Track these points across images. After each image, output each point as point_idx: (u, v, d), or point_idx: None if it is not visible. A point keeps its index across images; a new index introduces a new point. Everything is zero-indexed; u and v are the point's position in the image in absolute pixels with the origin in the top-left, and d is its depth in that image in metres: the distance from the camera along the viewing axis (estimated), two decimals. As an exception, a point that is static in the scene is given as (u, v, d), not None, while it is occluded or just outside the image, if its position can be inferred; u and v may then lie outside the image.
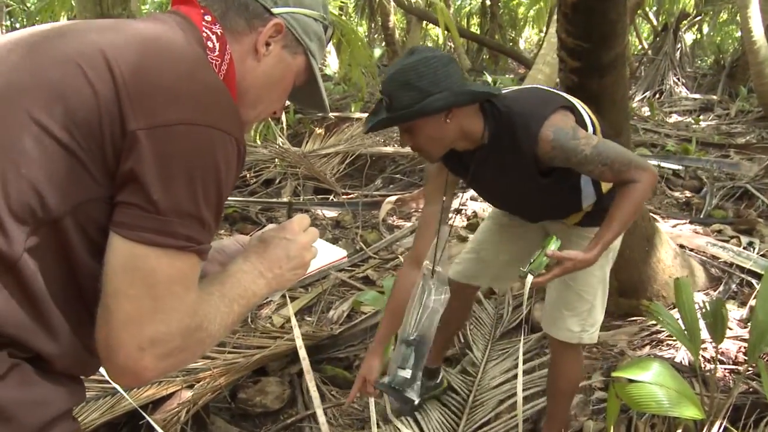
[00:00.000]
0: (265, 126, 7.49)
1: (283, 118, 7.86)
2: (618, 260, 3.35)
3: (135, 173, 0.96)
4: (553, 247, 2.00)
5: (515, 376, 3.18)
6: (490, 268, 2.67)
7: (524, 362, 3.27)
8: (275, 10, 1.22)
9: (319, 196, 6.22)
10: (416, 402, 2.22)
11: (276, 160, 6.62)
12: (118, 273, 0.96)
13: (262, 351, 3.28)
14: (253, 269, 1.18)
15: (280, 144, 7.07)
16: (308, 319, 4.08)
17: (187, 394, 2.94)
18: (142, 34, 1.07)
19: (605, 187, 2.18)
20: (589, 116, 2.17)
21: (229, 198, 5.41)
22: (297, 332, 1.51)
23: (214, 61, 1.15)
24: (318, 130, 7.46)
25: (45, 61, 1.01)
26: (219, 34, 1.17)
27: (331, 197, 6.13)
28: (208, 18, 1.18)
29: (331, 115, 7.40)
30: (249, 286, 1.16)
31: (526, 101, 2.05)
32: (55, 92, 0.97)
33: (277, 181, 6.46)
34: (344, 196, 6.08)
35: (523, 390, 3.02)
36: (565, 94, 2.20)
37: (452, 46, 13.31)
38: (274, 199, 6.09)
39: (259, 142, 7.30)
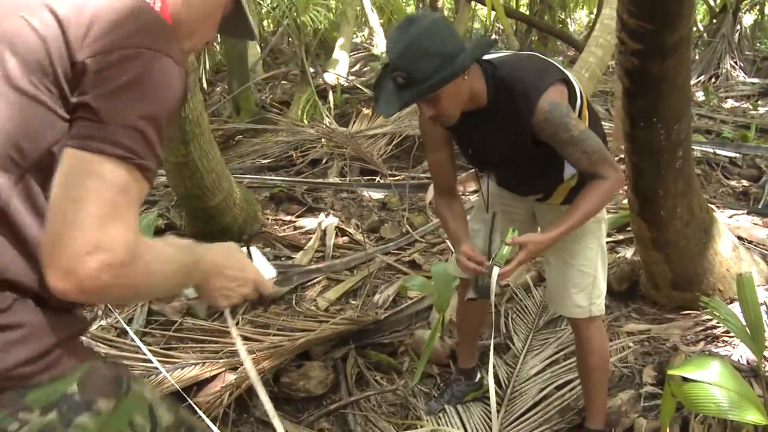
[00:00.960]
0: (312, 105, 7.45)
1: (330, 97, 7.80)
2: (672, 251, 3.27)
3: (84, 93, 1.05)
4: (510, 236, 2.09)
5: (555, 363, 3.11)
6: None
7: (564, 349, 3.20)
8: None
9: (365, 177, 6.16)
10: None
11: (323, 140, 6.57)
12: (66, 179, 1.02)
13: (306, 335, 3.24)
14: (199, 263, 1.25)
15: (327, 124, 7.02)
16: (353, 302, 4.04)
17: (230, 377, 2.93)
18: None
19: (584, 119, 2.19)
20: (580, 92, 2.20)
21: (274, 177, 5.44)
22: (240, 347, 1.34)
23: None
24: (365, 110, 7.38)
25: None
26: None
27: (378, 179, 6.07)
28: None
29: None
30: (182, 270, 1.20)
31: (526, 70, 2.08)
32: (7, 46, 1.07)
33: (324, 161, 6.42)
34: (391, 178, 6.01)
35: (564, 375, 2.95)
36: (559, 65, 2.20)
37: (500, 27, 13.07)
38: (320, 180, 6.05)
39: (305, 122, 7.26)
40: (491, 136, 2.17)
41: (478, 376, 3.00)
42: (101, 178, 1.02)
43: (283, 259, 4.66)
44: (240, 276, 1.33)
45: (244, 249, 1.42)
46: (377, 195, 5.75)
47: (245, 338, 3.36)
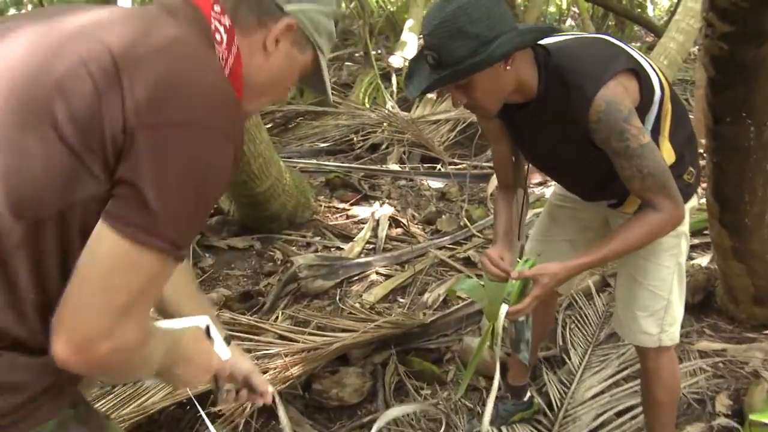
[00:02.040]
0: (374, 88, 7.19)
1: (394, 80, 7.52)
2: (756, 264, 2.89)
3: (132, 170, 0.98)
4: (520, 267, 1.85)
5: (616, 384, 2.79)
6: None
7: (627, 368, 2.87)
8: (288, 8, 1.20)
9: (425, 165, 5.86)
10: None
11: (384, 124, 6.31)
12: (101, 261, 0.99)
13: (342, 339, 3.00)
14: (174, 352, 1.24)
15: (389, 108, 6.75)
16: (401, 300, 3.79)
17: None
18: (150, 29, 1.07)
19: (666, 162, 1.84)
20: (660, 80, 1.88)
21: (330, 163, 5.21)
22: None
23: (220, 54, 1.15)
24: (429, 95, 7.07)
25: (50, 57, 1.02)
26: (227, 26, 1.16)
27: (439, 167, 5.77)
28: (217, 9, 1.16)
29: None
30: (164, 355, 1.20)
31: (586, 57, 1.79)
32: (60, 90, 0.99)
33: (384, 146, 6.15)
34: (451, 167, 5.70)
35: (625, 400, 2.64)
36: (631, 50, 1.89)
37: (576, 11, 12.51)
38: (379, 166, 5.79)
39: (367, 105, 7.01)
40: (543, 134, 1.91)
41: (528, 394, 2.70)
42: (137, 269, 1.00)
43: (332, 249, 4.45)
44: (202, 368, 1.34)
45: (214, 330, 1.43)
46: (436, 184, 5.46)
47: (281, 336, 3.15)
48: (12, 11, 6.99)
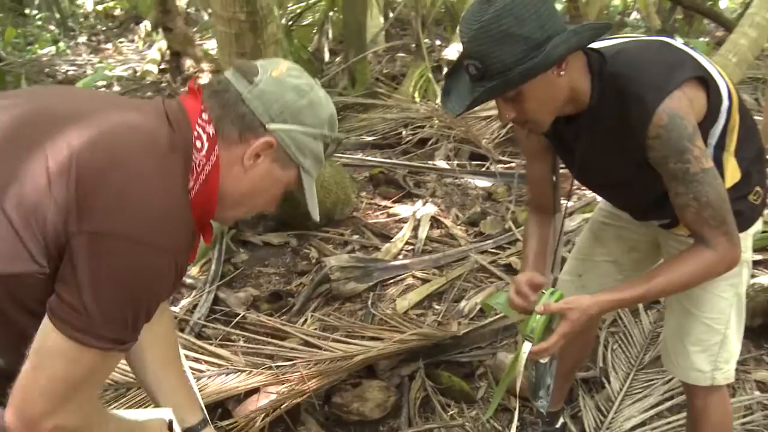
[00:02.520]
0: (425, 80, 6.99)
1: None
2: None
3: (71, 272, 1.07)
4: (545, 300, 1.65)
5: (659, 416, 2.57)
6: (592, 291, 2.02)
7: (672, 398, 2.65)
8: (270, 126, 1.25)
9: (474, 162, 5.66)
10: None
11: (433, 119, 6.12)
12: (46, 353, 1.10)
13: (367, 351, 2.86)
14: None
15: (439, 102, 6.55)
16: (437, 307, 3.63)
17: (271, 395, 2.59)
18: (119, 133, 1.16)
19: (729, 179, 1.68)
20: (729, 88, 1.67)
21: (374, 158, 5.05)
22: None
23: (198, 161, 1.22)
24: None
25: (19, 142, 1.13)
26: (210, 134, 1.23)
27: (487, 165, 5.56)
28: (204, 117, 1.24)
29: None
30: None
31: (646, 64, 1.58)
32: (17, 174, 1.09)
33: (432, 141, 5.96)
34: (500, 165, 5.49)
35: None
36: (696, 55, 1.67)
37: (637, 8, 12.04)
38: (425, 163, 5.62)
39: (417, 98, 6.83)
40: (595, 150, 1.69)
41: (561, 420, 2.52)
42: (77, 363, 1.10)
43: (370, 249, 4.31)
44: None
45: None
46: (484, 183, 5.26)
47: (305, 342, 3.03)
48: None
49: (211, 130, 1.23)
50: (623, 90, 1.56)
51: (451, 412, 2.78)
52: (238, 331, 3.19)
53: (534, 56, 1.45)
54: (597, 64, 1.60)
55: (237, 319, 3.28)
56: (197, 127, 1.23)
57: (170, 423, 1.50)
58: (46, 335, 1.10)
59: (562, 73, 1.53)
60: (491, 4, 1.45)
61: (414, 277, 3.92)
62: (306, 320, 3.41)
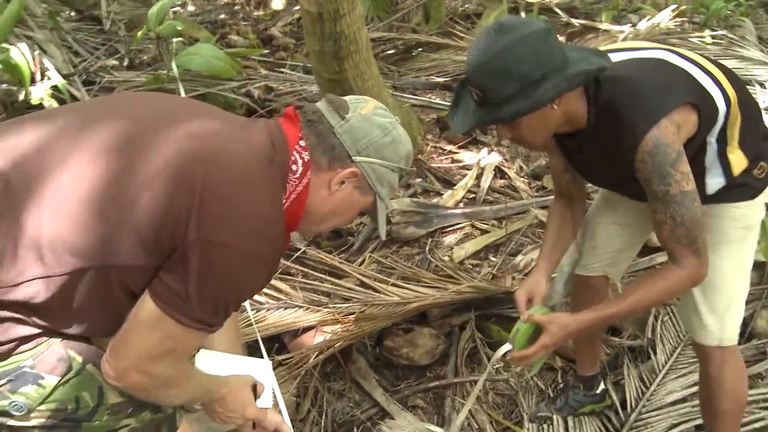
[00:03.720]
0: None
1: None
2: None
3: (183, 267, 1.26)
4: (533, 311, 1.86)
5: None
6: (602, 252, 2.25)
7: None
8: (356, 159, 1.43)
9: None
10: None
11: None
12: (146, 323, 1.29)
13: (422, 299, 2.94)
14: (216, 392, 1.57)
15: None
16: (493, 259, 3.67)
17: (326, 333, 2.71)
18: (239, 151, 1.35)
19: (737, 167, 1.81)
20: (724, 92, 1.76)
21: (443, 101, 4.99)
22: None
23: (291, 182, 1.40)
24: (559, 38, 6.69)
25: (144, 150, 1.30)
26: (306, 160, 1.41)
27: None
28: (302, 143, 1.42)
29: (576, 22, 6.59)
30: (205, 395, 1.58)
31: (641, 91, 1.69)
32: (148, 184, 1.26)
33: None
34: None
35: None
36: (693, 70, 1.77)
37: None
38: (494, 109, 5.56)
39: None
40: (592, 161, 1.86)
41: (602, 386, 2.56)
42: (171, 336, 1.30)
43: (431, 194, 4.35)
44: (237, 413, 1.62)
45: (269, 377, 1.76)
46: (551, 136, 5.21)
47: (362, 283, 3.13)
48: None
49: (306, 156, 1.41)
50: (617, 115, 1.68)
51: (497, 366, 2.86)
52: (297, 266, 3.30)
53: (528, 93, 1.58)
54: (592, 90, 1.71)
55: (297, 254, 3.38)
56: (294, 152, 1.40)
57: (254, 386, 1.65)
58: (147, 310, 1.28)
59: (555, 107, 1.65)
60: (496, 41, 1.57)
61: (473, 226, 3.96)
62: (364, 260, 3.50)
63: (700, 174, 1.79)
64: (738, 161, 1.81)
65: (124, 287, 1.30)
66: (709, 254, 1.80)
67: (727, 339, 1.97)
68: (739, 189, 1.84)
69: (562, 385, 2.57)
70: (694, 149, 1.76)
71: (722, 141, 1.79)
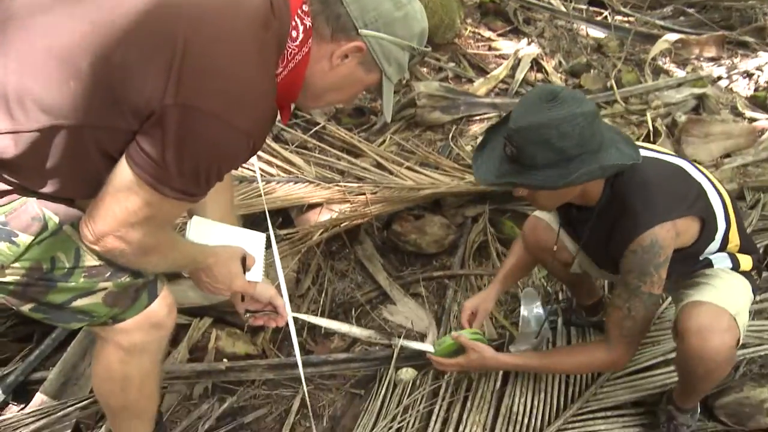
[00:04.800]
0: None
1: None
2: None
3: (160, 133, 1.16)
4: (465, 334, 1.99)
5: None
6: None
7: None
8: (362, 32, 1.29)
9: (591, 9, 5.31)
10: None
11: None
12: (123, 189, 1.21)
13: (436, 187, 2.85)
14: (202, 262, 1.52)
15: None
16: (516, 153, 3.54)
17: (333, 212, 2.64)
18: (226, 10, 1.22)
19: (744, 266, 1.88)
20: (725, 207, 1.85)
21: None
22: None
23: (290, 49, 1.28)
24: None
25: (133, 8, 1.17)
26: (307, 26, 1.28)
27: (605, 14, 5.21)
28: (305, 8, 1.28)
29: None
30: (189, 263, 1.53)
31: (655, 190, 1.73)
32: (120, 38, 1.15)
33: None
34: (619, 16, 5.13)
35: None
36: (706, 185, 1.83)
37: None
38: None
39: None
40: (591, 238, 1.89)
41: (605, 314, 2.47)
42: (148, 203, 1.22)
43: (463, 80, 4.19)
44: (224, 284, 1.57)
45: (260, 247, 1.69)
46: (596, 33, 4.95)
47: (378, 165, 3.05)
48: None
49: (308, 22, 1.28)
50: (626, 203, 1.72)
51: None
52: (315, 141, 3.21)
53: (559, 169, 1.59)
54: (613, 177, 1.73)
55: (316, 128, 3.29)
56: (296, 17, 1.27)
57: (243, 258, 1.59)
58: (123, 176, 1.20)
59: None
60: (547, 109, 1.57)
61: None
62: (384, 141, 3.41)
63: (694, 256, 1.84)
64: (745, 261, 1.88)
65: (101, 149, 1.22)
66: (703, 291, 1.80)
67: (740, 326, 1.77)
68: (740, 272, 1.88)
69: (564, 306, 2.48)
70: (686, 257, 1.81)
71: (723, 248, 1.86)
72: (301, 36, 1.28)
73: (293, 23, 1.27)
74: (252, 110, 1.21)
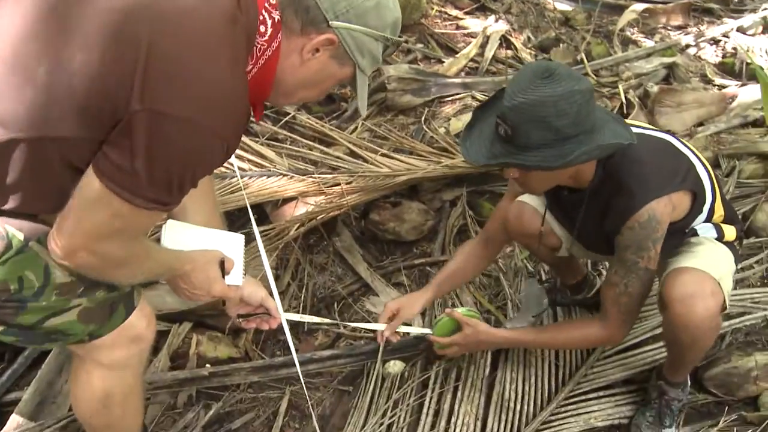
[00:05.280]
0: None
1: None
2: None
3: (128, 141, 1.10)
4: (460, 310, 2.01)
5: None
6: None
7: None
8: (333, 24, 1.24)
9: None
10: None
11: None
12: (91, 201, 1.14)
13: (413, 172, 2.81)
14: (179, 269, 1.45)
15: None
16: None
17: (309, 205, 2.59)
18: (190, 10, 1.15)
19: (728, 236, 1.88)
20: (714, 199, 1.85)
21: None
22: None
23: (259, 45, 1.23)
24: None
25: (95, 7, 1.11)
26: (276, 20, 1.23)
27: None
28: (272, 0, 1.24)
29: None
30: (166, 272, 1.46)
31: (648, 165, 1.72)
32: (80, 43, 1.09)
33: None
34: (586, -13, 5.08)
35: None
36: (693, 159, 1.83)
37: None
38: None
39: None
40: (582, 219, 1.86)
41: (590, 290, 2.44)
42: (119, 215, 1.15)
43: (432, 61, 4.13)
44: (203, 290, 1.51)
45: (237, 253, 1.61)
46: (563, 6, 4.90)
47: (351, 152, 2.99)
48: None
49: (276, 16, 1.23)
50: (621, 182, 1.69)
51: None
52: (285, 132, 3.14)
53: (555, 150, 1.55)
54: (604, 157, 1.70)
55: (287, 118, 3.22)
56: (264, 11, 1.22)
57: (222, 262, 1.54)
58: (91, 187, 1.13)
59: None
60: (543, 85, 1.52)
61: (473, 98, 3.77)
62: (356, 128, 3.34)
63: (681, 230, 1.83)
64: (729, 231, 1.88)
65: (65, 162, 1.15)
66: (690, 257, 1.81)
67: (724, 291, 1.77)
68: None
69: (548, 286, 2.45)
70: (676, 230, 1.80)
71: (710, 218, 1.86)
72: (269, 30, 1.23)
73: (261, 17, 1.22)
74: (224, 111, 1.15)
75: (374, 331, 2.06)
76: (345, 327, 2.38)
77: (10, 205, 1.19)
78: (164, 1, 1.14)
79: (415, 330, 2.08)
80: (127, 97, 1.08)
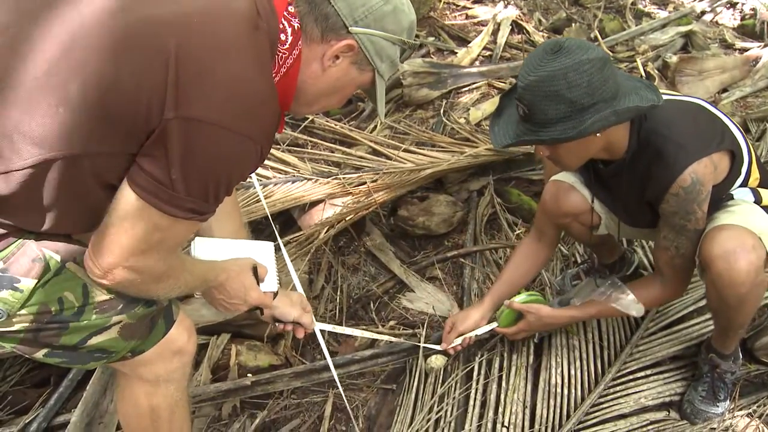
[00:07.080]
0: None
1: None
2: None
3: (163, 151, 1.09)
4: (518, 299, 2.03)
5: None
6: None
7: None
8: (353, 29, 1.24)
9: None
10: None
11: None
12: (128, 216, 1.14)
13: (437, 164, 2.78)
14: (213, 280, 1.46)
15: None
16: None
17: (336, 206, 2.57)
18: (220, 19, 1.16)
19: (753, 180, 1.84)
20: (751, 161, 1.81)
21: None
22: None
23: (281, 53, 1.23)
24: None
25: (120, 21, 1.10)
26: (296, 28, 1.23)
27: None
28: (291, 9, 1.23)
29: None
30: (201, 284, 1.44)
31: (685, 128, 1.71)
32: (109, 55, 1.08)
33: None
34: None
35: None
36: (726, 120, 1.81)
37: None
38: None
39: None
40: (621, 192, 1.87)
41: (633, 266, 2.39)
42: (157, 228, 1.15)
43: (445, 53, 4.10)
44: (239, 299, 1.51)
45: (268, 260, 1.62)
46: (574, -15, 4.86)
47: (374, 151, 2.98)
48: None
49: (296, 24, 1.23)
50: (659, 147, 1.67)
51: (518, 232, 2.73)
52: (305, 137, 3.13)
53: (575, 118, 1.54)
54: (637, 122, 1.70)
55: (305, 123, 3.21)
56: (283, 20, 1.22)
57: (255, 269, 1.53)
58: (127, 201, 1.13)
59: (598, 135, 1.61)
60: (552, 60, 1.52)
61: (489, 85, 3.74)
62: (375, 127, 3.32)
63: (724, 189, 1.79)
64: (766, 195, 1.84)
65: (99, 178, 1.15)
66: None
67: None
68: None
69: (586, 267, 2.42)
70: (716, 192, 1.76)
71: (746, 182, 1.82)
72: (290, 39, 1.23)
73: (281, 26, 1.22)
74: (256, 115, 1.15)
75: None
76: (383, 325, 2.36)
77: (46, 226, 1.19)
78: (186, 9, 1.14)
79: (482, 329, 2.06)
80: (159, 106, 1.07)
